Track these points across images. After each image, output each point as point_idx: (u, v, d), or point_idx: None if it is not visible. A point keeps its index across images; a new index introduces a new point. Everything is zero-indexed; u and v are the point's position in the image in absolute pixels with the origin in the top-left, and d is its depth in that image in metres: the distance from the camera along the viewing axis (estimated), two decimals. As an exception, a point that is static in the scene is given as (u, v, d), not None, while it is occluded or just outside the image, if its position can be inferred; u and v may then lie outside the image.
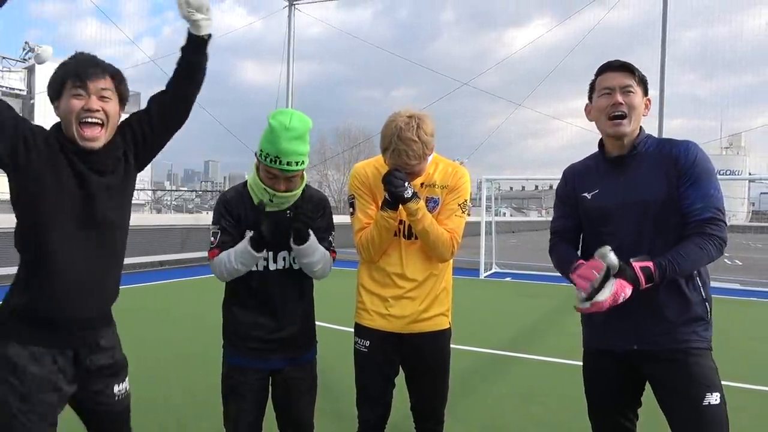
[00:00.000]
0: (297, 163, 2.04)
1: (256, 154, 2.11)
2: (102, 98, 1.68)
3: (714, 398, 1.83)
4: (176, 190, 32.75)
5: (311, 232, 2.12)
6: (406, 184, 2.11)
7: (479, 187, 13.53)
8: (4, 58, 15.29)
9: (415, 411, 2.40)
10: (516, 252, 18.68)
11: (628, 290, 1.76)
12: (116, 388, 1.88)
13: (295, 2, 15.63)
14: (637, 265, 1.78)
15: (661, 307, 1.91)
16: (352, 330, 2.38)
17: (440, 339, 2.33)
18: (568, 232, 2.16)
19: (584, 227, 2.12)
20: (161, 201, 28.53)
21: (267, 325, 2.18)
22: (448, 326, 2.36)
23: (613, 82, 1.96)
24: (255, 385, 2.19)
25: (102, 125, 1.68)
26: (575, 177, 2.14)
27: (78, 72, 1.65)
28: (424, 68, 22.04)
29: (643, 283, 1.77)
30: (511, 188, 77.24)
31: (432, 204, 2.25)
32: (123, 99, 1.76)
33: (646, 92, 2.00)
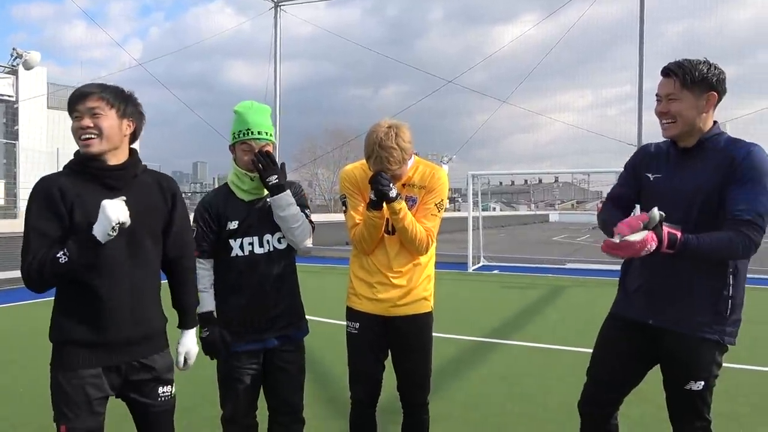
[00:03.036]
0: (267, 133, 2.38)
1: (230, 148, 2.44)
2: (93, 116, 1.85)
3: (697, 385, 2.02)
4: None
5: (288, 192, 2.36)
6: (391, 185, 2.37)
7: (467, 182, 13.79)
8: (-7, 65, 15.31)
9: (401, 390, 2.61)
10: (504, 245, 18.98)
11: (653, 245, 1.83)
12: (160, 390, 2.02)
13: (280, 3, 15.78)
14: (666, 228, 1.86)
15: (689, 293, 2.03)
16: (343, 323, 2.60)
17: (422, 321, 2.56)
18: (621, 200, 2.30)
19: (642, 204, 2.22)
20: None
21: (257, 306, 2.39)
22: (430, 310, 2.59)
23: (660, 89, 2.09)
24: (250, 368, 2.41)
25: (94, 137, 1.85)
26: (645, 156, 2.26)
27: (73, 98, 1.86)
28: (409, 66, 22.11)
29: (665, 245, 1.85)
30: (501, 183, 77.72)
31: (410, 202, 2.50)
32: (124, 112, 1.93)
33: (710, 88, 2.00)
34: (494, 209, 49.26)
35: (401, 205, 2.40)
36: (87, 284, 1.86)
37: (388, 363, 2.61)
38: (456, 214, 25.82)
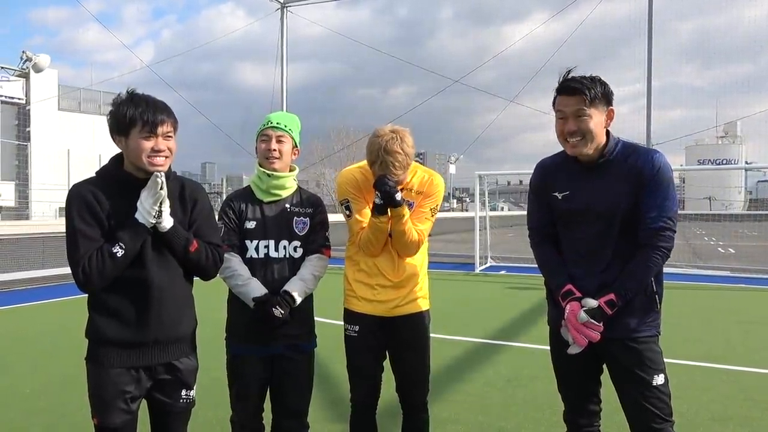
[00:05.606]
0: (285, 126, 2.49)
1: (256, 149, 2.53)
2: (166, 138, 1.99)
3: (660, 380, 2.10)
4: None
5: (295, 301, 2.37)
6: (397, 187, 2.37)
7: (475, 182, 13.75)
8: (3, 68, 15.48)
9: (401, 391, 2.62)
10: (512, 245, 18.89)
11: (601, 328, 2.07)
12: (183, 392, 2.09)
13: (287, 5, 15.80)
14: (602, 301, 2.05)
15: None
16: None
17: (419, 319, 2.58)
18: (547, 227, 2.28)
19: (556, 222, 2.26)
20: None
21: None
22: (428, 308, 2.62)
23: (566, 107, 2.06)
24: (257, 372, 2.40)
25: (167, 157, 2.01)
26: (547, 174, 2.25)
27: (148, 118, 1.93)
28: (417, 66, 22.11)
29: (609, 314, 2.06)
30: (509, 183, 77.47)
31: (407, 207, 2.49)
32: (176, 131, 2.09)
33: (608, 104, 2.05)
34: (502, 209, 49.09)
35: (406, 210, 2.42)
36: (117, 286, 1.95)
37: (386, 365, 2.61)
38: (463, 214, 25.73)
